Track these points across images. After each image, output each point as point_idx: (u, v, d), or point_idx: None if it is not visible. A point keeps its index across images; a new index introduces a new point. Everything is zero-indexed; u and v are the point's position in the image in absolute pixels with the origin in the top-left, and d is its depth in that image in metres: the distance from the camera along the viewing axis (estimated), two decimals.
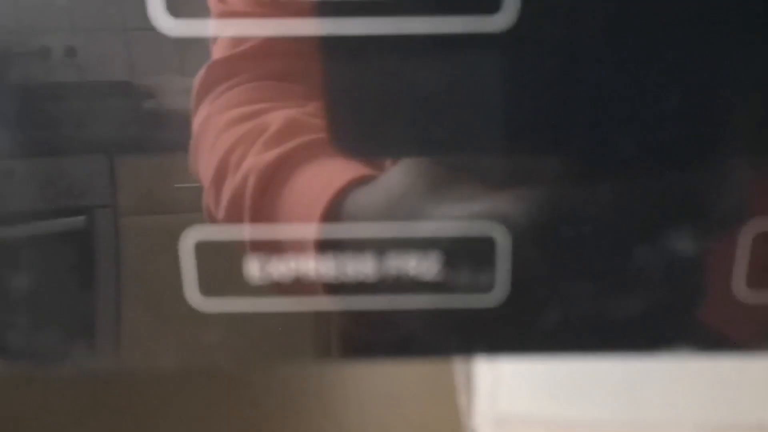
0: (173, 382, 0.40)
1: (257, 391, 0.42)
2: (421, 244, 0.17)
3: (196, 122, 0.20)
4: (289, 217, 0.19)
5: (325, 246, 0.17)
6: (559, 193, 0.17)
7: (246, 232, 0.18)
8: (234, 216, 0.19)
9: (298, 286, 0.17)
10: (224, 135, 0.20)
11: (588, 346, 0.18)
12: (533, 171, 0.17)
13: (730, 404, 0.30)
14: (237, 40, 0.19)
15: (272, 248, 0.18)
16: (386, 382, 0.39)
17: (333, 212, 0.19)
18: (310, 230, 0.17)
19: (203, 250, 0.17)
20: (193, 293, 0.17)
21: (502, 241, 0.17)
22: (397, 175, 0.19)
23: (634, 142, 0.16)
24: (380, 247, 0.17)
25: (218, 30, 0.18)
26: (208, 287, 0.17)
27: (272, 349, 0.19)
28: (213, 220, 0.19)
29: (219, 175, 0.20)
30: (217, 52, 0.19)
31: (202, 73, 0.20)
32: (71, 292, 0.19)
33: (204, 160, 0.20)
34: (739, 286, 0.17)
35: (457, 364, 0.30)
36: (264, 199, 0.20)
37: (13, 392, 0.31)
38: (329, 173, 0.20)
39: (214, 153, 0.20)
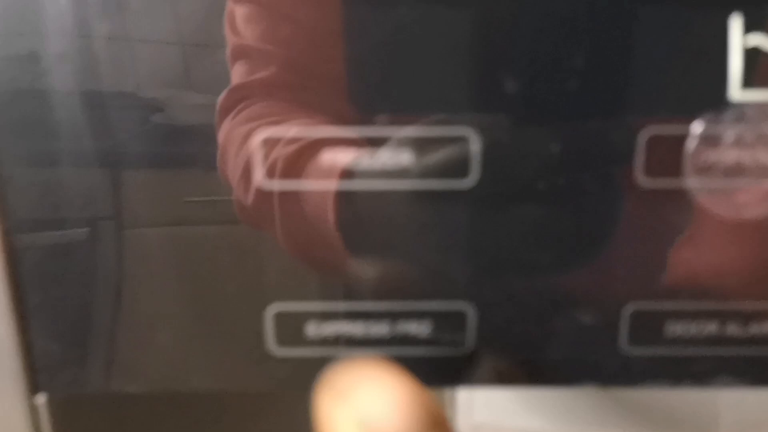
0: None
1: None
2: (418, 315, 0.26)
3: (221, 135, 0.24)
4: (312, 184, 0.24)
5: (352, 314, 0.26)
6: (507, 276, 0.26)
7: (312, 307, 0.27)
8: (263, 197, 0.24)
9: (339, 341, 0.27)
10: (249, 141, 0.24)
11: (532, 380, 0.27)
12: None
13: None
14: (253, 68, 0.23)
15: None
16: None
17: (348, 175, 0.24)
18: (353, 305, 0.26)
19: (279, 317, 0.26)
20: (272, 344, 0.27)
21: (471, 314, 0.26)
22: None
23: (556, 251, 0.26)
24: (392, 316, 0.26)
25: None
26: (282, 340, 0.27)
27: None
28: (242, 209, 0.25)
29: (247, 170, 0.24)
30: (236, 78, 0.23)
31: (223, 95, 0.23)
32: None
33: (231, 164, 0.24)
34: (624, 343, 0.26)
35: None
36: (290, 176, 0.24)
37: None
38: (342, 153, 0.24)
39: (241, 156, 0.24)
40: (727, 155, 0.23)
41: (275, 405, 0.48)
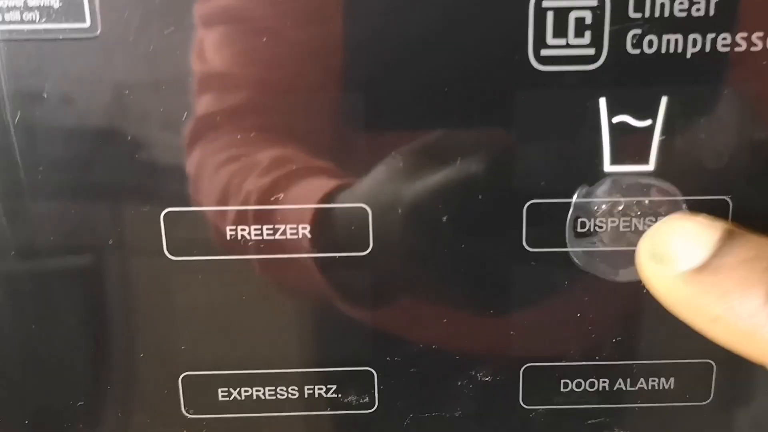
0: None
1: None
2: (326, 378, 0.27)
3: (191, 164, 0.24)
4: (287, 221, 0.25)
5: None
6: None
7: None
8: (240, 227, 0.25)
9: (249, 403, 0.28)
10: (221, 171, 0.24)
11: None
12: None
13: None
14: (220, 96, 0.23)
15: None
16: None
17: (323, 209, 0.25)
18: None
19: (188, 382, 0.27)
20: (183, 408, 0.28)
21: (375, 373, 0.27)
22: (381, 168, 0.25)
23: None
24: (301, 381, 0.27)
25: None
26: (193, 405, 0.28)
27: None
28: (220, 234, 0.25)
29: (222, 200, 0.25)
30: (201, 108, 0.23)
31: (191, 125, 0.24)
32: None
33: (205, 192, 0.24)
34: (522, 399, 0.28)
35: None
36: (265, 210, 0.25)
37: None
38: (317, 185, 0.25)
39: (215, 185, 0.24)
40: (603, 222, 0.25)
41: None
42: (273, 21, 0.23)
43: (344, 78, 0.24)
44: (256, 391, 0.27)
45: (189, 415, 0.28)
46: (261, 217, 0.25)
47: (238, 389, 0.27)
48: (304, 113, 0.24)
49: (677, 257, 0.21)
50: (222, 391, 0.27)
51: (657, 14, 0.23)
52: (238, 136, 0.24)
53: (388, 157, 0.25)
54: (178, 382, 0.27)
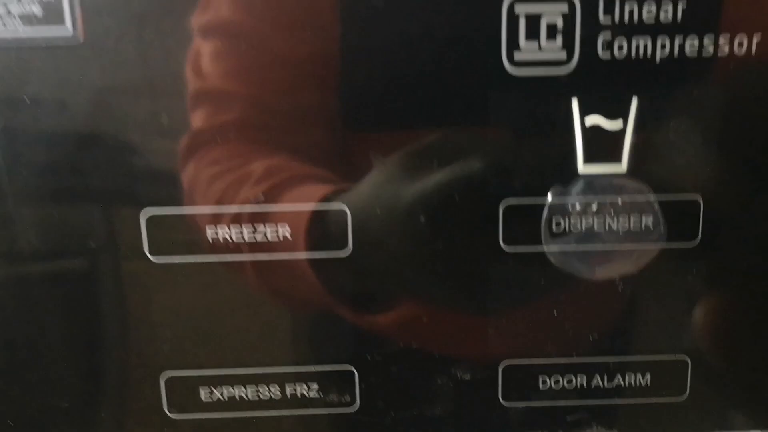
0: None
1: None
2: (307, 377, 0.28)
3: (186, 177, 0.25)
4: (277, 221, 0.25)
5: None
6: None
7: None
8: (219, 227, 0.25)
9: (232, 403, 0.28)
10: (215, 183, 0.25)
11: None
12: None
13: None
14: (214, 112, 0.24)
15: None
16: None
17: (319, 214, 0.25)
18: None
19: (170, 383, 0.28)
20: (167, 409, 0.28)
21: (356, 372, 0.28)
22: (376, 172, 0.25)
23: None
24: (282, 380, 0.28)
25: None
26: (176, 405, 0.28)
27: None
28: (203, 235, 0.25)
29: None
30: (196, 122, 0.24)
31: (185, 139, 0.24)
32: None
33: (200, 204, 0.25)
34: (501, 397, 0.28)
35: None
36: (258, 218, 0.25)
37: None
38: (311, 191, 0.25)
39: (209, 197, 0.25)
40: (577, 222, 0.26)
41: None
42: (271, 38, 0.24)
43: (337, 90, 0.24)
44: (239, 390, 0.28)
45: (171, 416, 0.28)
46: (251, 220, 0.26)
47: (220, 389, 0.28)
48: (296, 124, 0.25)
49: None
50: (204, 391, 0.28)
51: (626, 19, 0.24)
52: (232, 149, 0.24)
53: (368, 162, 0.25)
54: (160, 383, 0.28)
